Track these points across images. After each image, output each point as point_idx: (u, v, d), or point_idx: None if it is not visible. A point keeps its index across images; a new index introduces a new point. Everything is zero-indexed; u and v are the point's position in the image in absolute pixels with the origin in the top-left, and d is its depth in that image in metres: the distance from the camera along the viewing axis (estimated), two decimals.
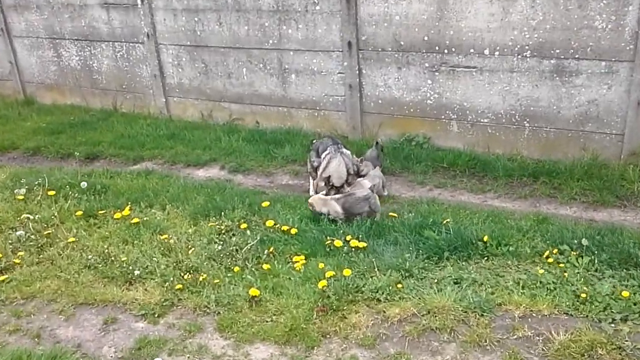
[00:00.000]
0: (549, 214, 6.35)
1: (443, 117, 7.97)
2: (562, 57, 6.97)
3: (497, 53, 7.31)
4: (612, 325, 4.30)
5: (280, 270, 5.39)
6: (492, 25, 7.21)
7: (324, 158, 6.69)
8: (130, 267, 5.55)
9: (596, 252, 5.16)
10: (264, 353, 4.47)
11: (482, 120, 7.73)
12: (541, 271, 4.96)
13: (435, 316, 4.53)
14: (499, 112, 7.58)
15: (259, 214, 6.53)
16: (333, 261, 5.39)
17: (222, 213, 6.48)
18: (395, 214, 6.26)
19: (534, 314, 4.53)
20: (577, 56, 6.90)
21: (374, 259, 5.37)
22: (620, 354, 3.99)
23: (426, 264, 5.30)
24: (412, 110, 8.13)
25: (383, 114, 8.36)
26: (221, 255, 5.69)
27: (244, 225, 6.17)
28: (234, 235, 6.11)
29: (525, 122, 7.48)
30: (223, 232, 6.16)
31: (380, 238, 5.79)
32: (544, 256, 5.27)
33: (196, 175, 8.11)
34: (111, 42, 10.37)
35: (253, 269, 5.46)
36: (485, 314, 4.54)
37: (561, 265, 5.08)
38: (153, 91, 10.24)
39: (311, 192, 6.98)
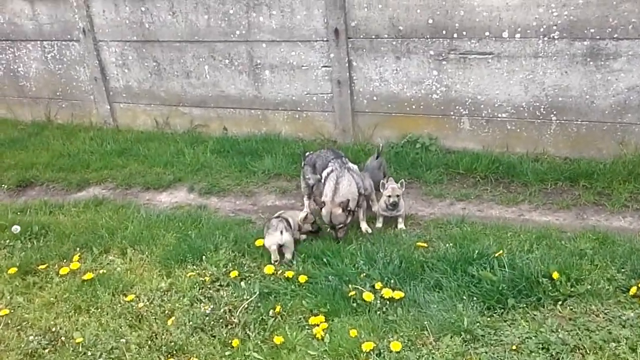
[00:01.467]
0: (604, 228, 5.23)
1: (452, 113, 6.73)
2: (598, 37, 5.84)
3: (518, 35, 6.10)
4: None
5: (295, 340, 4.02)
6: (512, 2, 6.00)
7: (327, 176, 5.32)
8: (89, 353, 4.05)
9: None
10: None
11: (499, 116, 6.54)
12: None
13: None
14: (520, 105, 6.41)
15: (250, 254, 5.12)
16: (365, 323, 4.07)
17: (203, 256, 5.04)
18: (424, 243, 4.97)
19: None
20: (615, 35, 5.78)
21: (419, 316, 4.08)
22: None
23: (490, 319, 4.05)
24: (414, 107, 6.85)
25: (379, 113, 7.05)
26: (211, 322, 4.27)
27: (234, 273, 4.76)
28: (222, 288, 4.71)
29: (551, 116, 6.33)
30: (208, 284, 4.73)
31: (417, 281, 4.50)
32: (631, 294, 4.12)
33: (159, 201, 6.58)
34: (39, 42, 8.58)
35: (258, 342, 4.06)
36: None
37: None
38: (94, 97, 8.56)
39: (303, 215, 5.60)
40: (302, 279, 4.59)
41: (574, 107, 6.21)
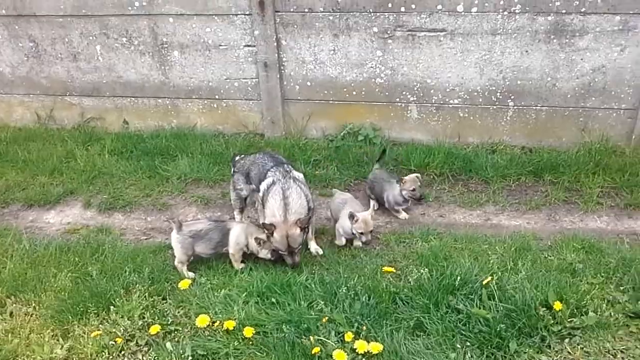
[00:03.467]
0: (581, 231, 4.63)
1: (398, 100, 5.85)
2: (564, 11, 5.16)
3: (474, 9, 5.29)
4: None
5: None
6: None
7: (268, 190, 4.25)
8: None
9: None
10: None
11: (451, 102, 5.75)
12: None
13: None
14: (474, 90, 5.64)
15: (173, 296, 3.98)
16: None
17: (111, 305, 3.83)
18: (391, 268, 4.07)
19: None
20: (583, 10, 5.12)
21: None
22: None
23: None
24: (355, 93, 5.89)
25: (314, 101, 6.02)
26: None
27: (155, 329, 3.61)
28: (140, 350, 3.56)
29: (509, 101, 5.64)
30: (120, 347, 3.55)
31: (392, 322, 3.60)
32: None
33: (46, 222, 5.18)
34: None
35: None
36: None
37: None
38: None
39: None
40: (248, 332, 3.53)
41: (533, 90, 5.53)
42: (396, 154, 5.71)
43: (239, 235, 4.25)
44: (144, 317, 3.75)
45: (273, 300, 3.84)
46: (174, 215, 4.89)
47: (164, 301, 3.94)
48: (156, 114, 6.44)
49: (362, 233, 4.30)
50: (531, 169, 5.39)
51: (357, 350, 3.32)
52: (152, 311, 3.81)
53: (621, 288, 3.85)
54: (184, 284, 3.95)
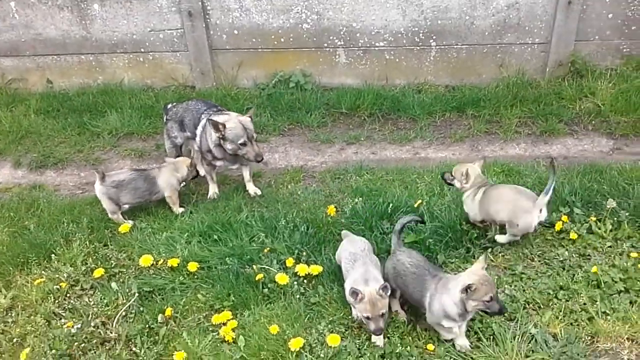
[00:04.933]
0: (501, 157, 4.98)
1: (326, 45, 5.96)
2: None
3: None
4: None
5: (200, 349, 3.13)
6: None
7: (204, 129, 4.30)
8: None
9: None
10: None
11: (377, 44, 5.91)
12: (594, 271, 3.42)
13: None
14: (398, 32, 5.83)
15: (114, 242, 4.01)
16: (284, 312, 3.29)
17: (51, 254, 3.83)
18: (333, 209, 4.20)
19: None
20: None
21: (343, 294, 3.40)
22: None
23: None
24: (283, 40, 5.95)
25: (242, 50, 6.04)
26: (82, 343, 3.19)
27: (98, 272, 3.66)
28: (86, 293, 3.61)
29: (431, 41, 5.86)
30: (65, 292, 3.58)
31: (331, 249, 3.79)
32: (557, 229, 3.83)
33: None
34: None
35: (155, 358, 3.11)
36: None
37: (590, 241, 3.69)
38: None
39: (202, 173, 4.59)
40: (192, 266, 3.65)
41: (453, 30, 5.77)
42: (326, 99, 5.84)
43: (168, 178, 4.30)
44: (86, 263, 3.78)
45: (215, 237, 3.96)
46: (97, 167, 4.82)
47: (106, 247, 3.97)
48: (80, 71, 6.26)
49: (368, 317, 2.97)
50: (454, 104, 5.67)
51: (298, 274, 3.51)
52: (94, 257, 3.84)
53: None
54: (124, 228, 3.99)
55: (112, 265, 3.77)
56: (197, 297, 3.49)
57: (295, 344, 2.99)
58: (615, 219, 3.84)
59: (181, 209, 4.36)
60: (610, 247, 3.66)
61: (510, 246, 3.76)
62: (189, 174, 4.40)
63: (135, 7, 5.86)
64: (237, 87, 6.14)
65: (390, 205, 4.06)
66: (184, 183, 4.46)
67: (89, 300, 3.50)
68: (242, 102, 5.84)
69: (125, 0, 5.84)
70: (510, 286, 3.38)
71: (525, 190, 3.70)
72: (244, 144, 4.16)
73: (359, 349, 3.01)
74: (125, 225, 4.01)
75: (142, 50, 6.10)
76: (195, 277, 3.64)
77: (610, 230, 3.77)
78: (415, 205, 4.07)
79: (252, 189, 4.61)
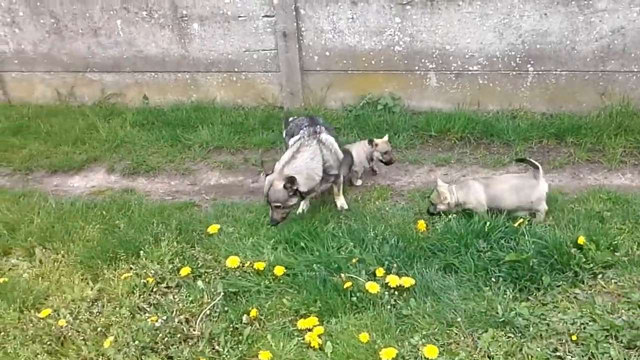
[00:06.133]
0: (605, 186, 4.61)
1: (417, 68, 5.87)
2: None
3: None
4: None
5: (285, 353, 2.98)
6: None
7: (291, 146, 4.26)
8: None
9: None
10: None
11: (470, 68, 5.76)
12: None
13: None
14: (493, 55, 5.66)
15: (201, 244, 3.99)
16: (374, 322, 3.11)
17: (140, 251, 3.85)
18: (424, 225, 4.02)
19: None
20: None
21: (439, 307, 3.18)
22: None
23: (528, 304, 3.22)
24: (373, 62, 5.92)
25: (332, 71, 6.06)
26: (165, 338, 3.13)
27: (185, 270, 3.63)
28: (171, 290, 3.58)
29: (528, 66, 5.64)
30: (151, 287, 3.56)
31: (423, 263, 3.59)
32: None
33: (71, 186, 5.22)
34: None
35: (238, 358, 2.99)
36: None
37: None
38: None
39: None
40: (279, 270, 3.55)
41: (553, 55, 5.54)
42: (415, 122, 5.72)
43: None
44: (173, 262, 3.77)
45: (302, 245, 3.86)
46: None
47: (193, 248, 3.95)
48: (176, 89, 6.49)
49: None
50: (553, 131, 5.38)
51: (389, 284, 3.33)
52: (181, 257, 3.83)
53: None
54: (212, 228, 3.97)
55: (199, 266, 3.73)
56: (283, 301, 3.38)
57: (388, 354, 2.79)
58: None
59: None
60: None
61: (624, 273, 3.42)
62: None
63: (233, 28, 6.04)
64: (325, 108, 6.14)
65: (488, 223, 3.82)
66: None
67: (174, 298, 3.45)
68: (329, 122, 5.81)
69: (224, 20, 6.03)
70: (628, 312, 3.04)
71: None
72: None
73: None
74: (214, 226, 4.00)
75: (236, 69, 6.26)
76: (281, 281, 3.54)
77: None
78: (516, 225, 3.80)
79: (340, 202, 4.49)
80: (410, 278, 3.36)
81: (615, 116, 5.39)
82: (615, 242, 3.65)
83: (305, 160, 4.10)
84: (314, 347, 3.00)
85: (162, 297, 3.49)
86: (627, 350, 2.76)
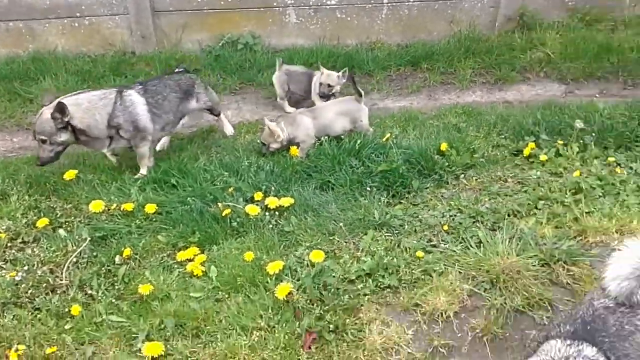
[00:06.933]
0: (459, 104, 4.92)
1: (275, 4, 5.76)
2: None
3: None
4: None
5: (167, 284, 2.82)
6: None
7: None
8: None
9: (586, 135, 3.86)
10: None
11: (328, 3, 5.77)
12: (576, 175, 3.41)
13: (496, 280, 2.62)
14: None
15: (59, 194, 3.62)
16: (257, 242, 3.04)
17: None
18: (297, 151, 4.00)
19: None
20: None
21: (320, 221, 3.19)
22: None
23: (401, 206, 3.35)
24: (230, 0, 5.70)
25: (187, 11, 5.74)
26: (28, 291, 2.81)
27: (42, 222, 3.27)
28: (28, 245, 3.20)
29: None
30: (5, 244, 3.17)
31: (300, 184, 3.57)
32: (526, 155, 3.79)
33: None
34: None
35: (111, 300, 2.77)
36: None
37: (559, 162, 3.65)
38: None
39: None
40: (150, 208, 3.33)
41: None
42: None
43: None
44: (27, 216, 3.38)
45: (172, 182, 3.66)
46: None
47: (48, 200, 3.57)
48: (8, 40, 5.75)
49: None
50: (408, 59, 5.59)
51: (268, 206, 3.26)
52: (35, 210, 3.45)
53: (502, 136, 4.13)
54: (69, 175, 3.61)
55: (58, 216, 3.38)
56: (158, 238, 3.18)
57: (274, 267, 2.74)
58: (581, 141, 3.84)
59: None
60: (580, 165, 3.63)
61: (483, 171, 3.67)
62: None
63: None
64: (181, 51, 5.82)
65: (359, 142, 3.89)
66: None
67: (33, 251, 3.10)
68: (188, 63, 5.53)
69: None
70: (489, 201, 3.27)
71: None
72: None
73: (344, 264, 2.78)
74: (71, 172, 3.63)
75: (78, 15, 5.68)
76: (154, 220, 3.33)
77: (577, 153, 3.75)
78: (384, 140, 3.91)
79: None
80: (289, 198, 3.33)
81: (464, 41, 5.72)
82: (473, 146, 3.91)
83: (91, 96, 3.68)
84: (197, 275, 2.86)
85: (19, 253, 3.12)
86: (491, 231, 2.97)
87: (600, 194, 3.20)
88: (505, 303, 2.53)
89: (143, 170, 3.89)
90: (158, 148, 4.25)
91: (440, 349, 2.43)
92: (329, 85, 4.59)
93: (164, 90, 3.95)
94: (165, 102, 3.92)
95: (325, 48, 5.69)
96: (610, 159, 3.61)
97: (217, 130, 4.60)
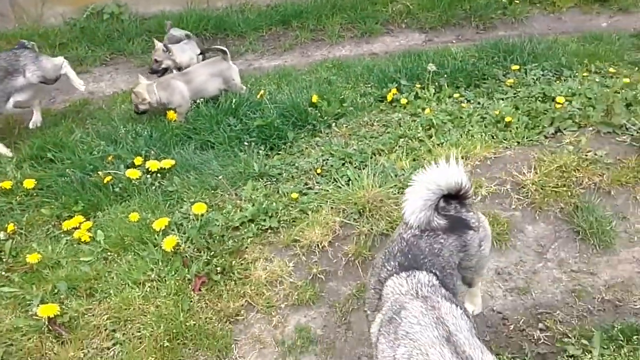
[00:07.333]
0: (330, 58, 5.21)
1: None
2: None
3: None
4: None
5: (55, 253, 2.88)
6: None
7: None
8: None
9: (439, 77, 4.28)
10: None
11: None
12: (427, 113, 3.79)
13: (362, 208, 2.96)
14: None
15: None
16: (142, 204, 3.15)
17: None
18: (174, 115, 4.08)
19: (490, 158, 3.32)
20: None
21: (203, 178, 3.35)
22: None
23: (279, 157, 3.59)
24: None
25: None
26: None
27: None
28: None
29: None
30: None
31: (181, 147, 3.70)
32: (389, 100, 4.16)
33: None
34: None
35: (1, 272, 2.79)
36: None
37: (418, 104, 4.05)
38: None
39: None
40: (29, 184, 3.32)
41: None
42: (146, 26, 5.59)
43: None
44: None
45: (50, 157, 3.65)
46: None
47: None
48: None
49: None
50: (279, 18, 5.77)
51: (150, 169, 3.37)
52: None
53: (368, 85, 4.47)
54: None
55: None
56: (41, 211, 3.21)
57: (160, 223, 2.88)
58: (437, 83, 4.26)
59: None
60: (435, 105, 4.04)
61: (352, 118, 3.99)
62: None
63: None
64: (44, 27, 5.59)
65: (234, 100, 4.05)
66: None
67: None
68: (52, 38, 5.36)
69: None
70: (357, 143, 3.59)
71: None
72: None
73: (228, 214, 2.99)
74: None
75: None
76: (35, 195, 3.34)
77: (434, 93, 4.16)
78: (259, 96, 4.11)
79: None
80: (170, 160, 3.45)
81: None
82: (342, 97, 4.21)
83: None
84: (84, 240, 2.94)
85: None
86: (359, 170, 3.29)
87: (450, 128, 3.62)
88: (372, 229, 2.86)
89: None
90: (31, 126, 4.17)
91: (319, 275, 2.73)
92: (156, 61, 4.44)
93: None
94: None
95: (194, 12, 5.71)
96: (456, 95, 4.06)
97: (91, 103, 4.56)
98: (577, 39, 5.10)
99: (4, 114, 4.02)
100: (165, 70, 4.46)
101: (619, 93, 3.67)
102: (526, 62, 4.52)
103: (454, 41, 5.57)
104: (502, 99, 3.97)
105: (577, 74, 4.25)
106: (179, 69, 4.41)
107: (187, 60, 4.47)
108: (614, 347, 2.32)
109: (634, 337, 2.34)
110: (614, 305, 2.65)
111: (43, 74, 4.00)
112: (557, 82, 4.18)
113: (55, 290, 2.66)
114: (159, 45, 4.39)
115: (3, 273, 2.79)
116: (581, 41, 5.05)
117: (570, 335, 2.44)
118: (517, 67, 4.41)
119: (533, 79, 4.25)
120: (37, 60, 4.01)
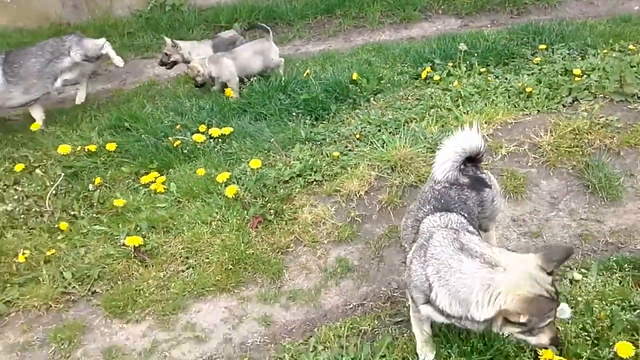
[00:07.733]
0: (371, 42, 5.66)
1: None
2: None
3: None
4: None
5: (136, 200, 3.46)
6: None
7: None
8: None
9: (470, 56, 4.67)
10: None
11: None
12: (456, 86, 4.22)
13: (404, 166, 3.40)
14: None
15: (27, 146, 4.16)
16: (207, 163, 3.70)
17: None
18: (231, 93, 4.64)
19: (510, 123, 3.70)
20: None
21: (257, 143, 3.86)
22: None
23: (323, 125, 4.08)
24: None
25: None
26: (20, 217, 3.41)
27: (19, 167, 3.81)
28: (10, 187, 3.73)
29: None
30: None
31: (238, 118, 4.24)
32: (423, 77, 4.57)
33: None
34: None
35: (92, 215, 3.41)
36: None
37: (450, 80, 4.45)
38: None
39: None
40: (111, 146, 3.92)
41: None
42: (204, 17, 6.17)
43: None
44: (3, 165, 3.89)
45: (127, 126, 4.24)
46: None
47: (19, 151, 4.08)
48: None
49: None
50: (323, 7, 6.26)
51: (212, 135, 3.92)
52: (10, 160, 3.96)
53: (405, 64, 4.90)
54: (35, 126, 4.14)
55: (32, 161, 3.91)
56: (122, 169, 3.79)
57: (222, 177, 3.41)
58: (468, 62, 4.64)
59: None
60: (466, 81, 4.43)
61: (389, 94, 4.44)
62: None
63: None
64: (114, 18, 6.25)
65: (284, 79, 4.57)
66: None
67: (16, 189, 3.64)
68: (121, 28, 6.02)
69: None
70: (392, 114, 4.04)
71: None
72: None
73: (280, 169, 3.50)
74: (35, 124, 4.16)
75: None
76: (116, 157, 3.92)
77: (465, 71, 4.55)
78: (305, 75, 4.61)
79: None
80: (229, 128, 3.99)
81: None
82: (380, 75, 4.66)
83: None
84: (160, 191, 3.50)
85: (3, 192, 3.65)
86: (392, 135, 3.73)
87: (477, 99, 4.02)
88: (402, 182, 3.31)
89: None
90: (77, 102, 4.87)
91: (356, 219, 3.21)
92: (166, 54, 4.91)
93: (22, 59, 4.38)
94: (22, 70, 4.33)
95: (247, 3, 6.26)
96: (483, 70, 4.45)
97: (159, 84, 5.17)
98: (606, 22, 5.38)
99: (52, 92, 4.62)
100: (174, 64, 4.97)
101: (634, 67, 3.98)
102: (553, 42, 4.86)
103: (488, 25, 5.92)
104: (528, 75, 4.33)
105: (599, 52, 4.56)
106: (187, 62, 4.88)
107: (196, 57, 4.87)
108: (609, 274, 2.71)
109: (625, 265, 2.72)
110: (616, 247, 3.01)
111: (85, 52, 4.58)
112: (581, 60, 4.51)
113: (138, 228, 3.23)
114: (168, 40, 4.91)
115: (94, 215, 3.39)
116: (610, 23, 5.33)
117: (573, 267, 2.83)
118: (545, 46, 4.76)
119: (559, 57, 4.59)
120: (80, 41, 4.62)
